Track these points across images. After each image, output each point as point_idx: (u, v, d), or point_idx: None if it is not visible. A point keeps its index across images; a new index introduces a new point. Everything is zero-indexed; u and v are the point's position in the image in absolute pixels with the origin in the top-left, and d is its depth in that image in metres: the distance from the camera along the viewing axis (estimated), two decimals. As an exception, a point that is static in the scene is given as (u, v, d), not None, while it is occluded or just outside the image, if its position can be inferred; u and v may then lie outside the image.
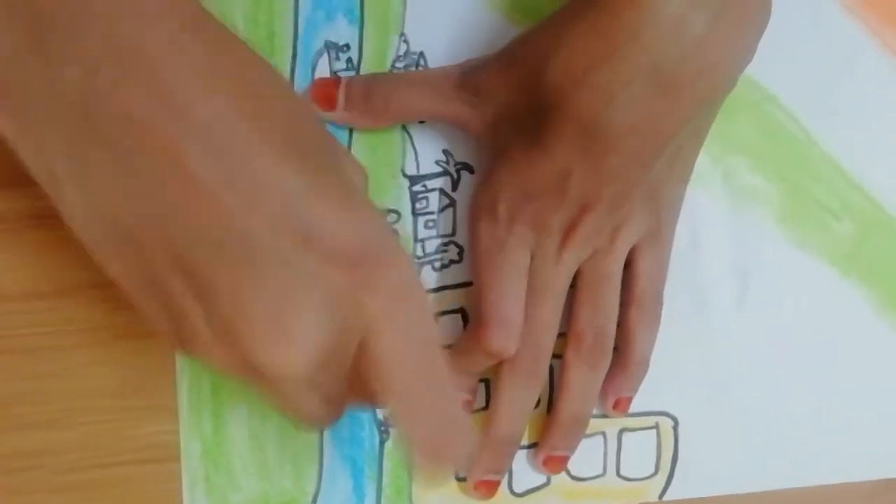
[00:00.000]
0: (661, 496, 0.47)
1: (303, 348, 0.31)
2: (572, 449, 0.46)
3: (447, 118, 0.45)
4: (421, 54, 0.47)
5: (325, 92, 0.45)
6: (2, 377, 0.44)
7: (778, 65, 0.48)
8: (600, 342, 0.45)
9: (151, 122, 0.29)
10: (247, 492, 0.45)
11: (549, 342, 0.44)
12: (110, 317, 0.44)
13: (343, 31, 0.46)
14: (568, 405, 0.45)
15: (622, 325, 0.46)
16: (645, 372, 0.46)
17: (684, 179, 0.45)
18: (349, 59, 0.46)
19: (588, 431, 0.46)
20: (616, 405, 0.46)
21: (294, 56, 0.46)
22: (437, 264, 0.47)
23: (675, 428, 0.47)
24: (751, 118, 0.48)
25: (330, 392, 0.34)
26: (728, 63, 0.40)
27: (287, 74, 0.46)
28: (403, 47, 0.47)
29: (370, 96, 0.45)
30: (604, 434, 0.47)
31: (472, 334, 0.44)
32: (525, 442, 0.46)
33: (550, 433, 0.46)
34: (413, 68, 0.47)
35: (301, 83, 0.46)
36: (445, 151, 0.47)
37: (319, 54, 0.46)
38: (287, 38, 0.46)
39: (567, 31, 0.40)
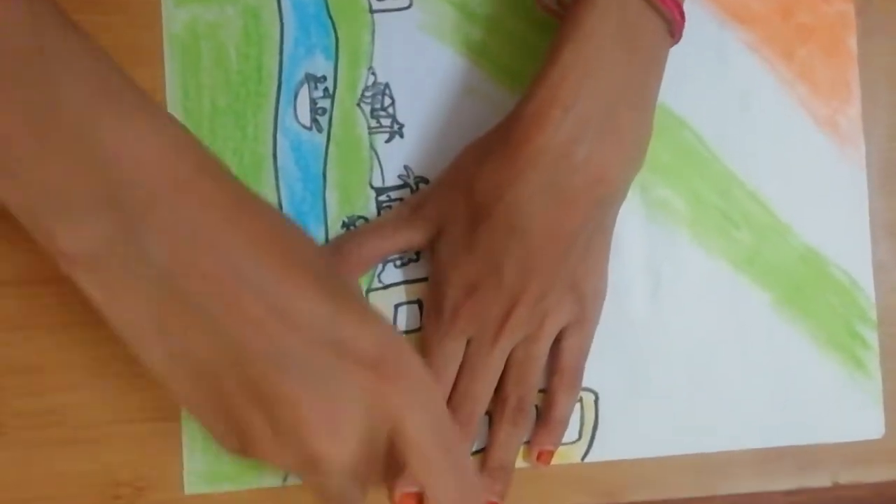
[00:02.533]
0: (583, 458, 0.55)
1: (351, 441, 0.40)
2: (502, 495, 0.53)
3: (406, 249, 0.54)
4: (386, 85, 0.55)
5: None
6: (31, 350, 0.52)
7: (688, 95, 0.56)
8: (521, 406, 0.53)
9: (220, 280, 0.39)
10: (236, 450, 0.53)
11: (480, 408, 0.53)
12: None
13: (320, 65, 0.54)
14: (495, 455, 0.53)
15: (547, 390, 0.54)
16: (564, 429, 0.54)
17: (600, 273, 0.54)
18: (325, 89, 0.54)
19: (522, 405, 0.54)
20: (539, 457, 0.54)
21: (279, 86, 0.54)
22: (398, 263, 0.55)
23: (596, 402, 0.55)
24: (664, 141, 0.56)
25: (367, 478, 0.42)
26: (609, 177, 0.49)
27: (273, 101, 0.54)
28: (371, 79, 0.55)
29: (342, 252, 0.53)
30: (536, 407, 0.55)
31: None
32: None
33: (482, 480, 0.53)
34: (379, 97, 0.55)
35: (284, 108, 0.54)
36: (406, 167, 0.55)
37: (300, 84, 0.54)
38: (273, 71, 0.54)
39: (486, 160, 0.50)
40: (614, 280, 0.55)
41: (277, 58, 0.54)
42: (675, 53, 0.52)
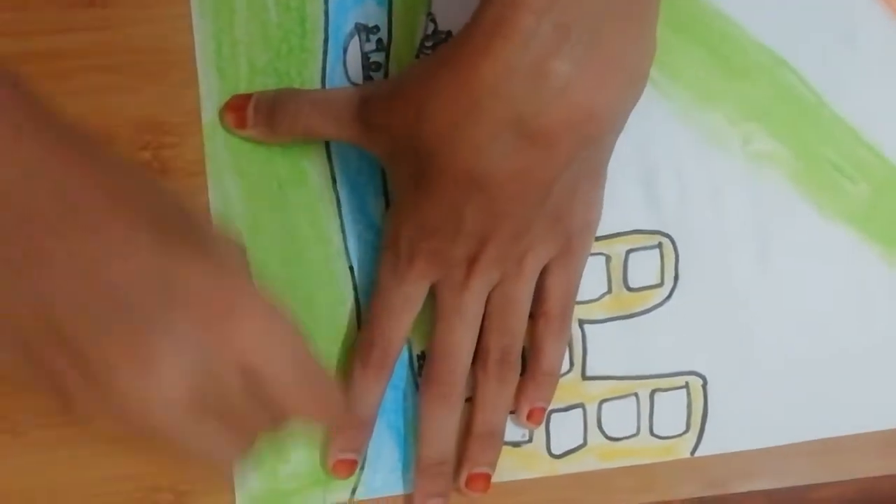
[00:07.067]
0: (692, 452, 0.48)
1: (168, 376, 0.32)
2: (492, 465, 0.46)
3: (349, 142, 0.46)
4: (448, 33, 0.48)
5: (239, 107, 0.46)
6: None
7: (787, 30, 0.50)
8: (506, 359, 0.46)
9: (8, 202, 0.31)
10: (294, 464, 0.46)
11: (460, 364, 0.46)
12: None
13: (372, 13, 0.48)
14: (481, 419, 0.46)
15: (531, 337, 0.47)
16: (555, 383, 0.47)
17: (591, 204, 0.46)
18: (379, 41, 0.48)
19: (621, 393, 0.48)
20: (530, 416, 0.47)
21: (326, 39, 0.48)
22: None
23: (705, 386, 0.49)
24: (764, 84, 0.49)
25: (230, 420, 0.35)
26: (599, 110, 0.40)
27: (319, 57, 0.47)
28: (431, 27, 0.48)
29: (274, 116, 0.46)
30: (636, 395, 0.48)
31: (355, 360, 0.46)
32: (562, 405, 0.48)
33: (469, 449, 0.46)
34: (441, 47, 0.48)
35: (333, 65, 0.48)
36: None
37: (350, 36, 0.48)
38: (318, 22, 0.47)
39: (435, 81, 0.40)
40: (717, 245, 0.49)
41: (323, 7, 0.48)
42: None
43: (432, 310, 0.46)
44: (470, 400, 0.47)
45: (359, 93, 0.45)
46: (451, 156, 0.40)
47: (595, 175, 0.46)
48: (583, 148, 0.41)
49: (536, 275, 0.46)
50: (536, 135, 0.39)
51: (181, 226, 0.34)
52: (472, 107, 0.39)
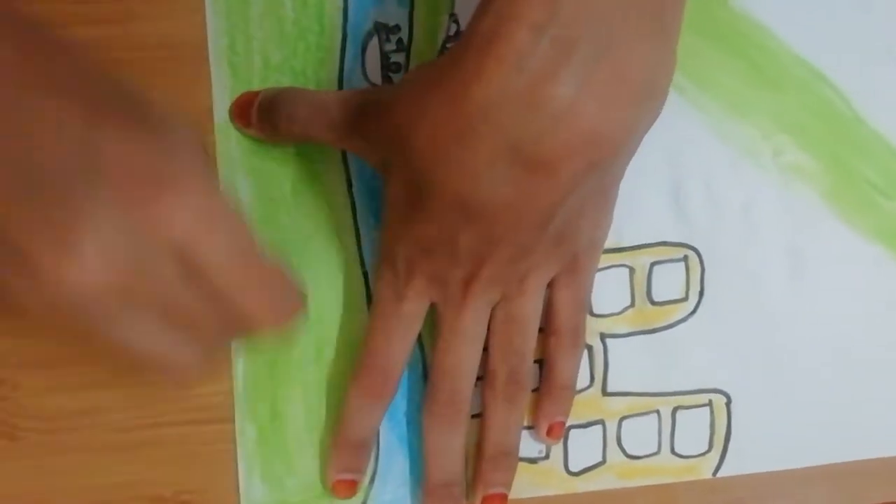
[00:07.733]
0: (714, 473, 0.47)
1: (92, 269, 0.29)
2: (508, 485, 0.45)
3: (346, 149, 0.45)
4: (471, 35, 0.46)
5: (246, 104, 0.45)
6: (50, 340, 0.44)
7: (824, 43, 0.48)
8: (514, 378, 0.44)
9: None
10: (302, 476, 0.45)
11: (463, 384, 0.44)
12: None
13: (393, 12, 0.46)
14: (493, 440, 0.45)
15: (544, 353, 0.46)
16: (572, 396, 0.46)
17: (599, 223, 0.45)
18: (399, 41, 0.46)
19: (642, 410, 0.47)
20: (549, 431, 0.45)
21: (344, 38, 0.46)
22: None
23: (729, 405, 0.47)
24: (798, 96, 0.48)
25: (175, 317, 0.32)
26: (608, 135, 0.36)
27: (337, 56, 0.46)
28: (454, 28, 0.47)
29: (272, 119, 0.44)
30: (658, 412, 0.47)
31: (353, 383, 0.44)
32: (581, 421, 0.46)
33: (483, 471, 0.45)
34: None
35: (351, 65, 0.46)
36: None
37: (370, 36, 0.46)
38: (337, 20, 0.46)
39: (428, 98, 0.37)
40: (748, 260, 0.47)
41: (341, 4, 0.46)
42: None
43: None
44: (478, 416, 0.45)
45: (355, 99, 0.43)
46: (443, 179, 0.38)
47: (604, 196, 0.44)
48: (589, 174, 0.38)
49: (541, 292, 0.44)
50: (535, 163, 0.36)
51: (121, 104, 0.31)
52: (464, 131, 0.36)
